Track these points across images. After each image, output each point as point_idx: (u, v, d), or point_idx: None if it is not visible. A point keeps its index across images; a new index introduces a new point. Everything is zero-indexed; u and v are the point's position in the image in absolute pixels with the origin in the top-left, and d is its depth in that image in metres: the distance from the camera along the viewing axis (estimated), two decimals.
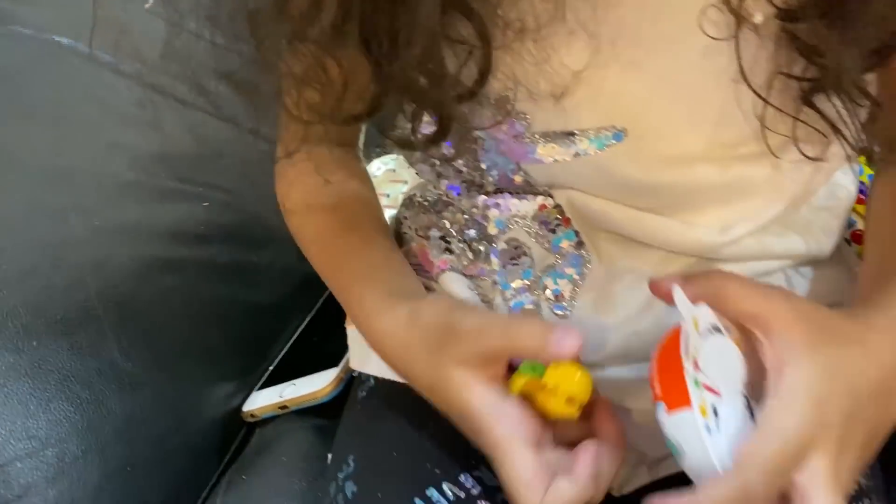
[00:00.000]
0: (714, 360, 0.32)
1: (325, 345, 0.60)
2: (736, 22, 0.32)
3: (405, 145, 0.40)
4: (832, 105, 0.35)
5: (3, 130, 0.59)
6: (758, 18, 0.33)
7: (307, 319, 0.64)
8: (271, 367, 0.60)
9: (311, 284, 0.54)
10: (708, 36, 0.33)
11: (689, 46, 0.34)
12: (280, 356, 0.61)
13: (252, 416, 0.57)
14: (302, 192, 0.48)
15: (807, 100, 0.35)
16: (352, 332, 0.49)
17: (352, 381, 0.52)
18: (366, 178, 0.50)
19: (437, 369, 0.36)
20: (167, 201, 0.61)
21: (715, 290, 0.33)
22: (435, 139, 0.36)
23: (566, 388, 0.34)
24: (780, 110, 0.35)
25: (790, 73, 0.34)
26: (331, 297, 0.46)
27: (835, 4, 0.31)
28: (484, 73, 0.33)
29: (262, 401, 0.57)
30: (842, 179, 0.45)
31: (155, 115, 0.62)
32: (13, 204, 0.55)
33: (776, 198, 0.40)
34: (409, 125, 0.37)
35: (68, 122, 0.62)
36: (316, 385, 0.55)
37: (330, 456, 0.47)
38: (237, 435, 0.58)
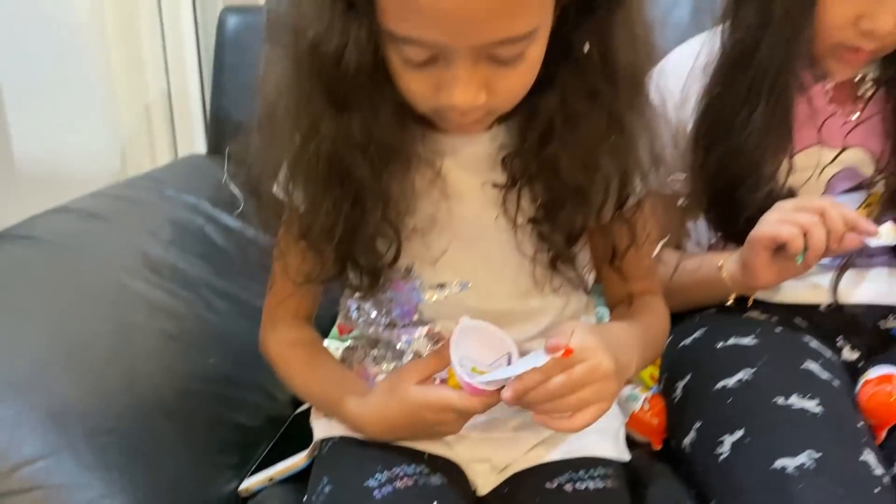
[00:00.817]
0: (473, 346, 0.67)
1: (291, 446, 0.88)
2: (513, 226, 0.70)
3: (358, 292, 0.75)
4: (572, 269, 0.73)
5: None
6: (520, 221, 0.71)
7: (282, 430, 0.92)
8: (259, 459, 0.87)
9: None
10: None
11: (495, 238, 0.71)
12: (264, 453, 0.88)
13: (247, 491, 0.83)
14: (283, 334, 0.81)
15: (553, 266, 0.72)
16: (316, 421, 0.80)
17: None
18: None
19: (404, 400, 0.68)
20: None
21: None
22: (372, 290, 0.71)
23: None
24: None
25: (537, 252, 0.72)
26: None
27: (549, 219, 0.70)
28: (398, 253, 0.70)
29: (253, 479, 0.84)
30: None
31: None
32: None
33: (557, 314, 0.77)
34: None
35: None
36: (294, 460, 0.82)
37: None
38: None
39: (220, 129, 1.37)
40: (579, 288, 0.76)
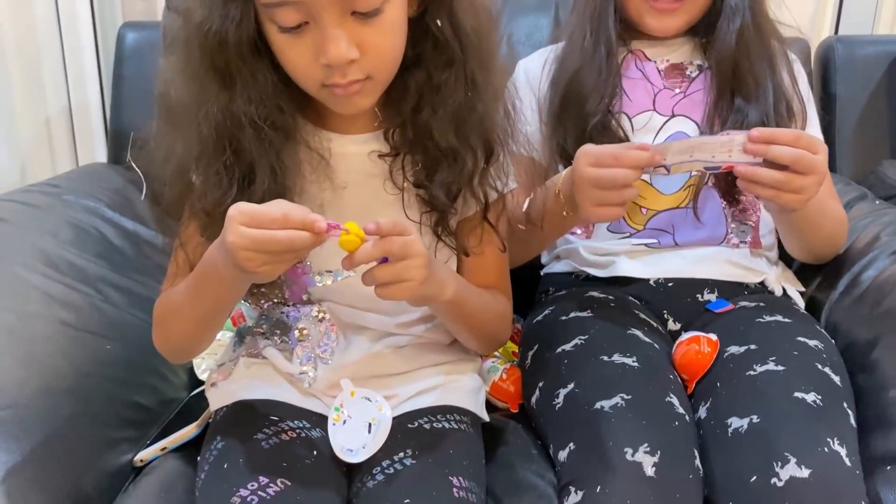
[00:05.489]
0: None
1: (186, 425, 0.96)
2: (399, 192, 0.82)
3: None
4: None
5: None
6: (405, 186, 0.83)
7: (177, 409, 1.00)
8: (155, 435, 0.95)
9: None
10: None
11: (384, 214, 0.77)
12: (160, 430, 0.96)
13: (141, 461, 0.91)
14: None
15: (437, 233, 0.84)
16: (210, 391, 0.88)
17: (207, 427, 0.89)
18: None
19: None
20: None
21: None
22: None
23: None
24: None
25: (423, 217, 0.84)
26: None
27: (429, 180, 0.82)
28: None
29: (147, 450, 0.91)
30: None
31: None
32: None
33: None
34: None
35: None
36: (186, 430, 0.91)
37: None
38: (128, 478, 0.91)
39: (120, 141, 1.44)
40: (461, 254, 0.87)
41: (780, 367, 0.84)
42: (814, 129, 1.09)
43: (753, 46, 1.02)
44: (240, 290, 0.77)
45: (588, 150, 0.87)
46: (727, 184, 1.02)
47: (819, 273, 1.10)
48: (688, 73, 1.07)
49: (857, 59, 1.42)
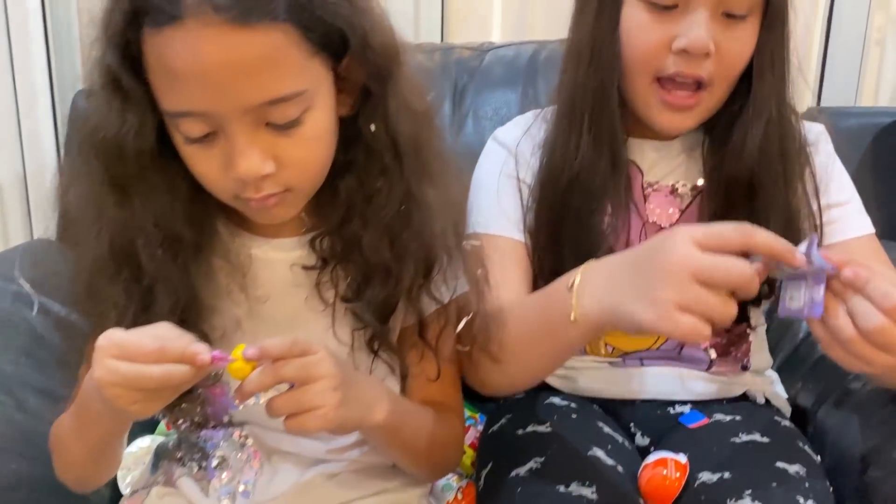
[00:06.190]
0: None
1: None
2: (325, 308, 0.73)
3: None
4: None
5: None
6: (331, 301, 0.74)
7: None
8: None
9: None
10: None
11: (308, 330, 0.74)
12: None
13: None
14: None
15: (371, 348, 0.76)
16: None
17: None
18: None
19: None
20: None
21: None
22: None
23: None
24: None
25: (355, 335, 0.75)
26: None
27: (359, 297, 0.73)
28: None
29: None
30: None
31: None
32: None
33: None
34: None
35: None
36: None
37: None
38: None
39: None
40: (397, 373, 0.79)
41: None
42: (855, 218, 0.91)
43: (776, 154, 0.84)
44: (121, 425, 0.69)
45: (694, 230, 0.63)
46: None
47: (804, 378, 1.01)
48: (678, 197, 0.91)
49: (841, 131, 1.33)
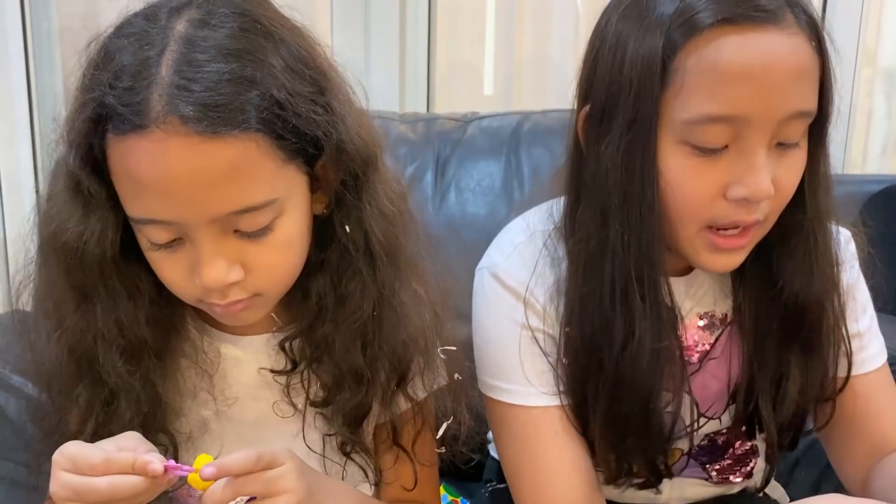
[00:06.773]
0: None
1: None
2: (295, 412, 0.71)
3: None
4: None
5: None
6: (300, 407, 0.71)
7: None
8: None
9: None
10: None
11: (278, 433, 0.71)
12: None
13: None
14: None
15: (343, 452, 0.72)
16: None
17: None
18: None
19: None
20: None
21: None
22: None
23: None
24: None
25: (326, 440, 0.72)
26: None
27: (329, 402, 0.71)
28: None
29: None
30: None
31: None
32: None
33: None
34: None
35: None
36: None
37: None
38: None
39: None
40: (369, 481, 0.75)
41: None
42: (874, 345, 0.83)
43: (822, 276, 0.76)
44: None
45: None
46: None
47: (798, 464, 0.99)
48: (706, 330, 0.80)
49: None
